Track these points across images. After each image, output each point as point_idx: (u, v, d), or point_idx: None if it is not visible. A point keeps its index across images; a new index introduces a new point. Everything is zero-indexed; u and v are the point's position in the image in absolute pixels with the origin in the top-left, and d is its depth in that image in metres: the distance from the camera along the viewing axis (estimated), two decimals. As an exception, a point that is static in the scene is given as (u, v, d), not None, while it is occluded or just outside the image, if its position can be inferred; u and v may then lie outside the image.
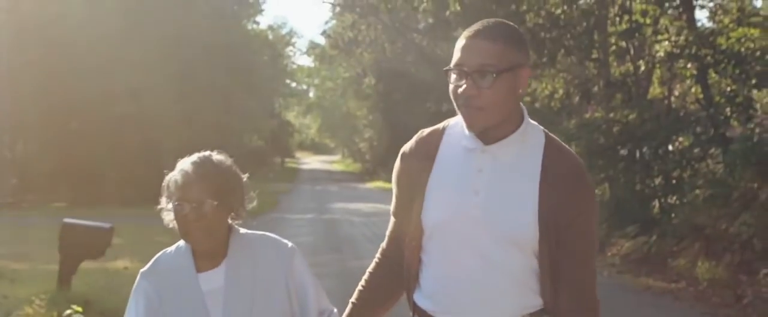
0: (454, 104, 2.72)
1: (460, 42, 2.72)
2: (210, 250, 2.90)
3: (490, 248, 2.70)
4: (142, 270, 2.96)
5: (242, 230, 2.99)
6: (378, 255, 3.10)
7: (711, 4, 19.36)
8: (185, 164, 2.87)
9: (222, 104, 31.61)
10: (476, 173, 2.74)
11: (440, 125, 2.93)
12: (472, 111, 2.66)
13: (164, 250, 2.99)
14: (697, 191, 13.20)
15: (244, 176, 2.99)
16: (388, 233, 3.07)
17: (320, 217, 24.43)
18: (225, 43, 32.82)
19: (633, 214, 15.26)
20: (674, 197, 14.70)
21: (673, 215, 14.25)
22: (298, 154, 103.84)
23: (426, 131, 2.96)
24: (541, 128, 2.84)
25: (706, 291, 11.32)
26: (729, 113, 13.38)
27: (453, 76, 2.70)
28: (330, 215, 25.45)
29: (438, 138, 2.88)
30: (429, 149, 2.87)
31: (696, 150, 14.68)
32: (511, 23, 2.78)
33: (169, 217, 2.89)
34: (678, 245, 13.43)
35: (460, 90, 2.66)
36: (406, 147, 2.95)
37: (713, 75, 14.97)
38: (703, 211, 12.92)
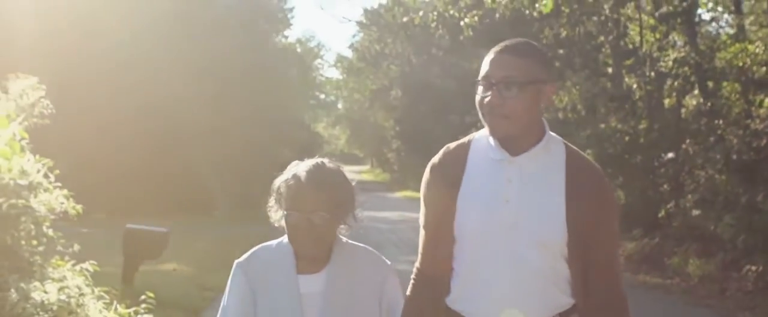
0: (480, 114, 2.89)
1: (489, 56, 2.88)
2: (315, 257, 2.93)
3: (523, 252, 2.82)
4: (237, 261, 3.00)
5: (344, 240, 3.02)
6: (413, 275, 3.13)
7: (714, 24, 20.45)
8: (299, 170, 2.89)
9: (254, 118, 32.60)
10: (506, 182, 2.87)
11: (466, 139, 3.06)
12: (496, 119, 2.82)
13: (263, 244, 3.03)
14: (690, 196, 14.28)
15: (353, 182, 3.04)
16: (421, 248, 3.11)
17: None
18: (257, 59, 33.82)
19: (640, 218, 16.26)
20: (675, 202, 15.74)
21: (672, 218, 15.30)
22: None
23: (452, 144, 3.08)
24: (561, 139, 2.99)
25: (695, 286, 12.53)
26: (723, 124, 14.33)
27: (480, 88, 2.87)
28: (358, 223, 26.39)
29: (465, 151, 2.99)
30: (457, 161, 2.97)
31: (698, 160, 15.55)
32: (536, 43, 2.99)
33: (275, 216, 2.93)
34: (679, 246, 14.55)
35: (486, 100, 2.82)
36: (435, 159, 3.05)
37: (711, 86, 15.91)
38: (701, 214, 14.04)
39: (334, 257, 2.94)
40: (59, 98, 8.23)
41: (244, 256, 3.00)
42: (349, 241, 3.04)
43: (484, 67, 2.85)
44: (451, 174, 2.95)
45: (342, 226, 2.97)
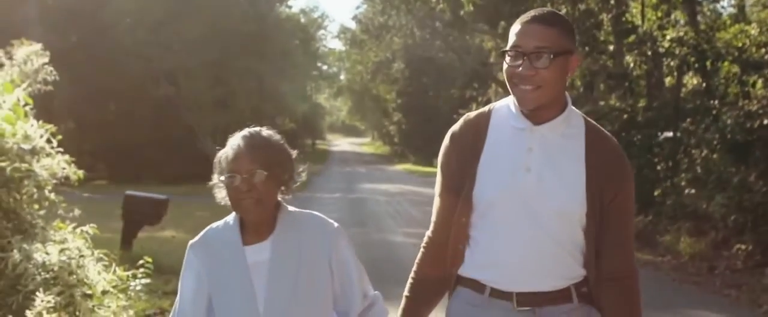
0: (508, 84, 2.88)
1: (516, 27, 2.86)
2: (259, 221, 2.93)
3: (543, 221, 2.86)
4: (190, 242, 3.03)
5: (290, 208, 3.02)
6: (424, 242, 3.16)
7: (714, 5, 20.52)
8: (236, 138, 2.92)
9: (256, 87, 32.79)
10: (527, 151, 2.90)
11: (486, 108, 3.08)
12: (527, 90, 2.81)
13: (212, 225, 3.05)
14: (683, 175, 14.47)
15: (294, 153, 3.01)
16: (434, 216, 3.13)
17: (347, 196, 25.51)
18: (259, 29, 33.90)
19: (636, 196, 16.32)
20: (670, 181, 15.92)
21: (666, 196, 15.47)
22: (329, 136, 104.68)
23: (472, 114, 3.10)
24: (581, 113, 3.02)
25: (685, 264, 12.73)
26: (718, 104, 14.46)
27: (508, 59, 2.86)
28: (357, 194, 26.54)
29: (486, 120, 3.01)
30: (478, 130, 2.99)
31: (692, 139, 15.66)
32: (561, 14, 3.00)
33: (221, 194, 2.95)
34: (672, 224, 14.74)
35: (518, 70, 2.81)
36: (455, 128, 3.06)
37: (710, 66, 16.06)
38: (694, 193, 14.22)
39: (278, 224, 2.95)
40: (62, 65, 8.39)
41: (196, 237, 3.03)
42: (294, 208, 3.03)
43: (513, 37, 2.84)
44: (472, 143, 2.97)
45: (284, 196, 2.99)
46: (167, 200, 11.22)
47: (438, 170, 3.09)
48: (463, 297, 3.00)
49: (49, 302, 4.83)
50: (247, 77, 32.23)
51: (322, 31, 79.51)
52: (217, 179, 2.92)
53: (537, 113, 2.87)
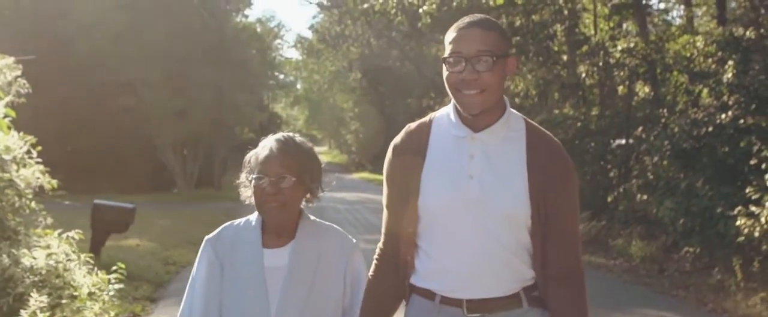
0: (450, 91, 2.87)
1: (452, 34, 2.86)
2: (282, 225, 2.97)
3: (489, 226, 2.85)
4: (207, 237, 3.04)
5: (311, 217, 3.06)
6: (376, 256, 3.14)
7: (665, 16, 21.11)
8: (268, 140, 2.96)
9: (214, 98, 32.83)
10: (468, 159, 2.88)
11: (427, 118, 3.06)
12: (472, 94, 2.80)
13: (231, 221, 3.08)
14: (635, 181, 14.96)
15: (323, 163, 3.06)
16: (384, 228, 3.11)
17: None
18: (217, 39, 33.98)
19: (590, 202, 16.81)
20: (622, 187, 16.42)
21: (618, 202, 15.98)
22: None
23: (413, 124, 3.07)
24: (521, 115, 3.00)
25: (636, 266, 13.23)
26: (665, 113, 14.93)
27: (448, 66, 2.84)
28: (316, 202, 26.83)
29: (427, 130, 2.99)
30: (420, 141, 2.98)
31: (642, 146, 16.07)
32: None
33: (246, 193, 2.98)
34: (624, 229, 15.21)
35: (461, 75, 2.80)
36: (397, 140, 3.04)
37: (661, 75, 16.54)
38: (645, 198, 14.68)
39: (299, 232, 2.98)
40: (25, 76, 8.55)
41: (214, 233, 3.06)
42: (315, 219, 3.09)
43: (451, 44, 2.84)
44: (414, 153, 2.95)
45: (308, 204, 3.05)
46: (134, 209, 11.50)
47: (384, 183, 3.09)
48: (416, 305, 3.00)
49: (42, 302, 5.09)
50: (206, 88, 32.23)
51: (278, 41, 79.30)
52: (244, 177, 2.97)
53: (479, 119, 2.88)
